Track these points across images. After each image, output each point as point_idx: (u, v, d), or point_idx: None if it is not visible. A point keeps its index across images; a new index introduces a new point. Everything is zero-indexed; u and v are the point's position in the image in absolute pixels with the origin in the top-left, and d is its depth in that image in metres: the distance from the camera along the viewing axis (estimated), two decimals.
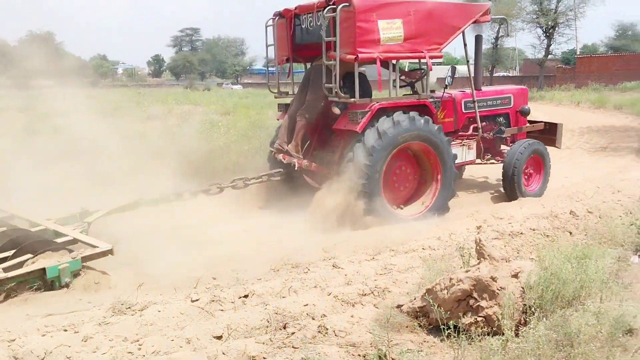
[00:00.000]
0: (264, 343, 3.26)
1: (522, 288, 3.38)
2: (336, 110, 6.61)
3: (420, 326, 3.52)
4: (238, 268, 4.87)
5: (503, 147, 8.50)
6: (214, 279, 4.61)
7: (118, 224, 6.03)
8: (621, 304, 3.25)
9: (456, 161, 7.18)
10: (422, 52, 6.60)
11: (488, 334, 3.20)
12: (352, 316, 3.73)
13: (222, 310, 3.89)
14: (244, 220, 7.04)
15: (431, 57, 6.64)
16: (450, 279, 3.51)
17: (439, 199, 6.98)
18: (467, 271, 3.52)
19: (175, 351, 3.23)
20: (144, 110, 17.44)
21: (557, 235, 5.61)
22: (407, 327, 3.52)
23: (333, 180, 6.53)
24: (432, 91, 7.25)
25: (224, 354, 3.14)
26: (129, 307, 3.98)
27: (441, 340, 3.32)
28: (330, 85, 6.40)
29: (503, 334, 3.07)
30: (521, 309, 3.29)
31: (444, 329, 3.24)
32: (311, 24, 6.89)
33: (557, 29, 38.71)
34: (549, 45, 39.30)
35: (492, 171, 9.55)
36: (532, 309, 3.22)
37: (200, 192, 6.76)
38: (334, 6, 6.19)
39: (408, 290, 4.19)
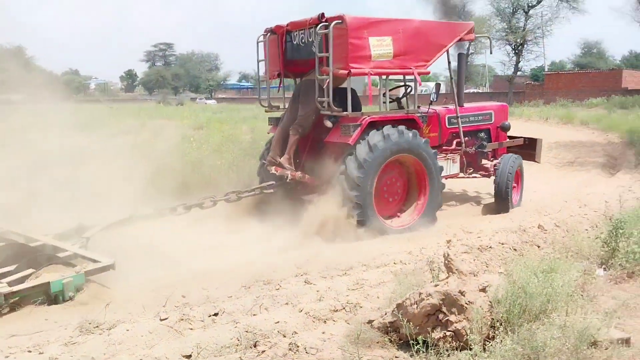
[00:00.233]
0: None
1: (490, 302, 3.43)
2: (328, 124, 6.74)
3: (390, 341, 3.53)
4: (208, 285, 4.81)
5: (484, 161, 8.73)
6: (183, 297, 4.55)
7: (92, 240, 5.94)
8: (586, 317, 3.31)
9: (442, 174, 7.37)
10: (411, 68, 6.86)
11: (457, 349, 3.23)
12: (323, 333, 3.73)
13: (191, 329, 3.84)
14: (217, 235, 6.98)
15: (419, 74, 6.88)
16: (420, 293, 3.53)
17: (427, 209, 7.15)
18: (436, 285, 3.55)
19: None
20: (115, 126, 17.27)
21: (526, 249, 5.70)
22: (377, 342, 3.53)
23: (326, 192, 6.68)
24: (418, 107, 7.48)
25: None
26: (97, 327, 3.91)
27: (411, 356, 3.33)
28: (323, 99, 6.58)
29: (471, 348, 3.10)
30: (489, 323, 3.33)
31: (413, 344, 3.26)
32: (302, 40, 7.08)
33: (525, 46, 39.75)
34: (517, 62, 40.30)
35: (469, 185, 9.80)
36: (500, 323, 3.27)
37: (194, 206, 6.79)
38: (327, 23, 6.38)
39: (379, 305, 4.20)
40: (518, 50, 39.55)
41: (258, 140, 12.24)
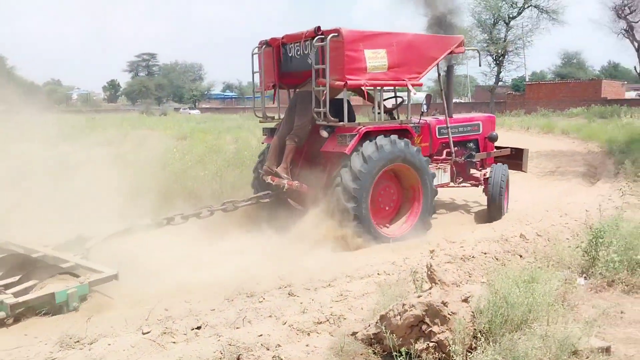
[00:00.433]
0: None
1: (473, 313, 3.45)
2: (324, 134, 6.86)
3: (374, 353, 3.53)
4: (191, 299, 4.78)
5: (473, 170, 8.90)
6: (166, 310, 4.51)
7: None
8: (566, 326, 3.35)
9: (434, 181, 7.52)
10: (404, 80, 6.99)
11: None
12: (307, 345, 3.72)
13: (174, 342, 3.81)
14: (201, 247, 6.93)
15: (412, 85, 7.03)
16: (403, 304, 3.54)
17: (422, 216, 7.30)
18: (419, 296, 3.57)
19: None
20: (97, 136, 17.13)
21: (508, 259, 5.76)
22: (361, 354, 3.53)
23: (323, 202, 6.77)
24: (405, 118, 7.60)
25: None
26: (78, 341, 3.87)
27: None
28: (320, 109, 6.71)
29: (454, 359, 3.11)
30: (472, 333, 3.34)
31: (396, 356, 3.27)
32: (298, 53, 7.22)
33: (506, 56, 40.22)
34: (499, 72, 40.73)
35: (455, 194, 9.95)
36: (482, 334, 3.28)
37: (192, 215, 6.85)
38: (323, 36, 6.51)
39: (363, 316, 4.20)
40: (499, 61, 40.01)
41: (242, 150, 12.25)
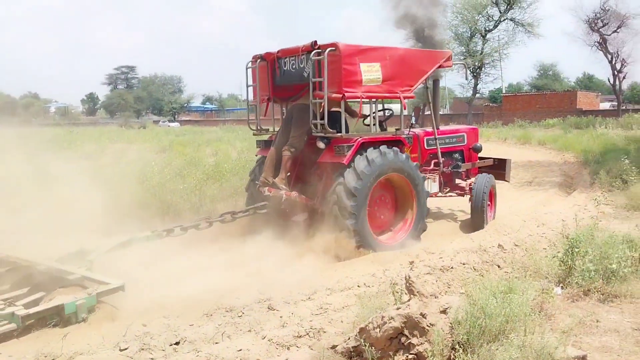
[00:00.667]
0: None
1: (451, 324, 3.46)
2: (321, 145, 7.00)
3: None
4: (169, 314, 4.72)
5: (458, 180, 9.13)
6: (144, 326, 4.45)
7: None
8: (543, 335, 3.38)
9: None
10: (397, 92, 7.21)
11: None
12: (286, 359, 3.70)
13: (152, 358, 3.78)
14: (181, 262, 6.86)
15: (404, 97, 7.26)
16: (382, 317, 3.55)
17: (417, 221, 7.50)
18: (398, 308, 3.58)
19: None
20: (75, 150, 16.94)
21: (486, 269, 5.79)
22: None
23: (321, 213, 6.93)
24: (397, 129, 7.80)
25: None
26: (54, 359, 3.80)
27: None
28: (318, 121, 6.85)
29: None
30: (450, 344, 3.36)
31: None
32: (293, 66, 7.37)
33: (483, 69, 40.74)
34: (476, 84, 41.22)
35: (440, 204, 10.02)
36: (460, 345, 3.30)
37: (191, 227, 6.91)
38: (320, 50, 6.69)
39: (343, 329, 4.20)
40: (476, 73, 40.54)
41: (221, 163, 12.19)
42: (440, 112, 8.96)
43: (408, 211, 7.54)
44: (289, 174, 7.38)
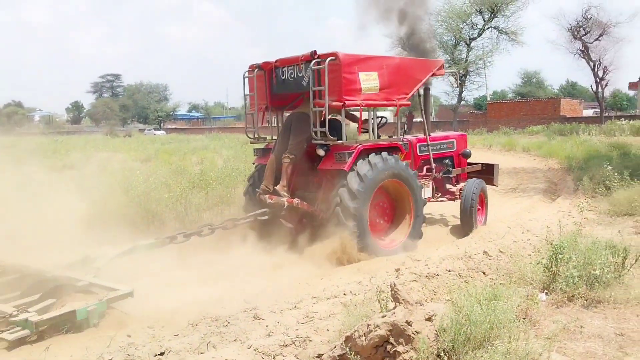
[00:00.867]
0: None
1: (436, 331, 3.47)
2: (321, 152, 7.15)
3: None
4: (154, 324, 4.68)
5: (449, 185, 9.29)
6: (128, 337, 4.41)
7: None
8: (528, 342, 3.39)
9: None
10: (394, 100, 7.42)
11: None
12: None
13: None
14: (165, 272, 6.81)
15: (401, 105, 7.49)
16: (368, 325, 3.54)
17: (414, 226, 7.65)
18: (383, 316, 3.57)
19: None
20: (60, 159, 16.79)
21: (472, 276, 5.82)
22: None
23: (323, 219, 7.02)
24: (390, 136, 8.00)
25: None
26: None
27: None
28: (321, 129, 7.00)
29: None
30: (435, 352, 3.37)
31: None
32: (291, 75, 7.49)
33: (468, 76, 41.06)
34: (461, 92, 41.53)
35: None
36: (446, 352, 3.31)
37: (193, 234, 6.94)
38: (319, 59, 6.84)
39: (329, 338, 4.18)
40: (461, 81, 40.86)
41: (207, 171, 12.12)
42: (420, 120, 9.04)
43: (406, 216, 7.68)
44: (291, 181, 7.50)
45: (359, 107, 7.13)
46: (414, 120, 9.08)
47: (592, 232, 7.41)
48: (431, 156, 8.71)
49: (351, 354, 3.37)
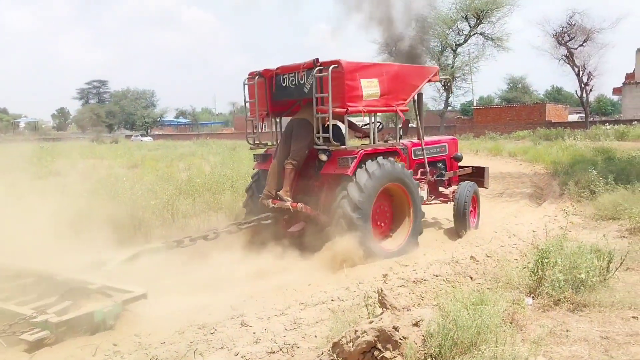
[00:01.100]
0: None
1: (423, 337, 3.48)
2: (323, 157, 7.32)
3: None
4: (140, 332, 4.64)
5: (442, 188, 9.42)
6: (114, 345, 4.36)
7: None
8: (514, 346, 3.41)
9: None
10: (394, 106, 7.62)
11: None
12: None
13: None
14: (151, 280, 6.75)
15: (400, 111, 7.70)
16: (355, 331, 3.54)
17: (414, 227, 7.80)
18: (371, 322, 3.57)
19: None
20: (45, 166, 16.60)
21: (459, 281, 5.84)
22: None
23: (327, 222, 7.09)
24: (385, 141, 8.17)
25: None
26: None
27: None
28: (321, 134, 7.14)
29: None
30: (423, 357, 3.37)
31: None
32: (292, 83, 7.64)
33: (454, 82, 41.33)
34: (447, 97, 41.82)
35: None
36: (433, 357, 3.31)
37: (199, 238, 7.06)
38: (321, 67, 7.00)
39: (317, 344, 4.17)
40: (448, 87, 41.15)
41: (194, 178, 12.08)
42: (414, 125, 9.17)
43: (405, 219, 7.81)
44: (293, 186, 7.57)
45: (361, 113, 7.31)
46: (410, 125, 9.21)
47: (578, 236, 7.47)
48: (426, 160, 8.86)
49: None
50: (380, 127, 8.45)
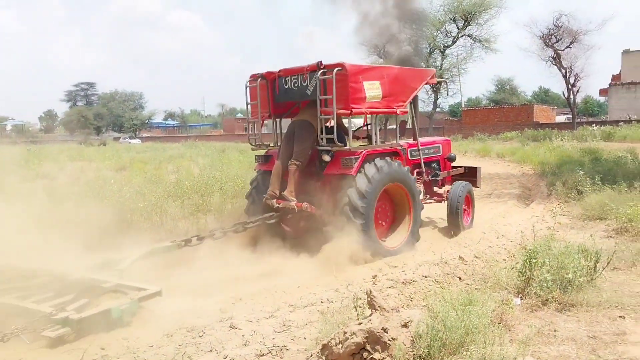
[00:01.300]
0: None
1: (412, 338, 3.48)
2: (326, 157, 7.42)
3: None
4: (129, 335, 4.60)
5: (436, 188, 9.55)
6: (102, 350, 4.33)
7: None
8: (502, 347, 3.42)
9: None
10: (394, 108, 7.77)
11: None
12: None
13: None
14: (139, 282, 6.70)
15: (400, 112, 7.89)
16: (345, 332, 3.54)
17: (414, 227, 7.92)
18: (360, 323, 3.58)
19: None
20: (32, 169, 16.47)
21: (448, 282, 5.86)
22: None
23: (331, 221, 7.14)
24: (382, 142, 8.27)
25: None
26: None
27: None
28: (329, 135, 7.25)
29: None
30: (412, 358, 3.37)
31: None
32: (295, 85, 7.73)
33: (443, 84, 41.46)
34: (436, 99, 41.95)
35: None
36: (422, 358, 3.31)
37: (207, 237, 7.10)
38: (325, 69, 7.09)
39: (306, 346, 4.16)
40: (436, 88, 41.30)
41: (183, 180, 12.03)
42: (407, 127, 9.23)
43: (405, 217, 7.93)
44: (297, 186, 7.62)
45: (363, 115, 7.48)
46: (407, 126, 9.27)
47: (565, 236, 7.53)
48: (422, 160, 9.01)
49: None
50: (380, 128, 8.56)
